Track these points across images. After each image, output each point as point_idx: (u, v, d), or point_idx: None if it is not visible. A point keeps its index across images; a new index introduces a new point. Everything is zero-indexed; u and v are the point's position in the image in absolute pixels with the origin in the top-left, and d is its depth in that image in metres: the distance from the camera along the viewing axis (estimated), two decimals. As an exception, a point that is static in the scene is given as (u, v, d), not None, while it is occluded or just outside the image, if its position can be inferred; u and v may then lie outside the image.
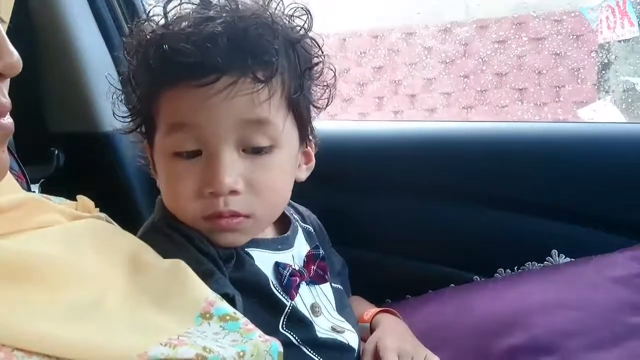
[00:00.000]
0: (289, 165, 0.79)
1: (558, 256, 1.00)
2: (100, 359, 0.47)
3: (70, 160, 1.11)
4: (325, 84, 0.83)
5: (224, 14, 0.72)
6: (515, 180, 1.05)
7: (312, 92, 0.82)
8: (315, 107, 0.83)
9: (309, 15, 0.79)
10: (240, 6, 0.75)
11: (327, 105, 0.84)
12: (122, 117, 0.84)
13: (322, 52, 0.81)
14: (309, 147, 0.85)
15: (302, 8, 0.79)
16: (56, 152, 1.10)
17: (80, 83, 1.09)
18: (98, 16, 1.14)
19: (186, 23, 0.73)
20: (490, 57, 3.33)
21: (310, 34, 0.79)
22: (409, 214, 1.10)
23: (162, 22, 0.76)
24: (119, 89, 0.85)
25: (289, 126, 0.77)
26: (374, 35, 3.53)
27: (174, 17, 0.76)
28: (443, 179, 1.09)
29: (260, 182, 0.74)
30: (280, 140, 0.75)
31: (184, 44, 0.70)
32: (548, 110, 3.29)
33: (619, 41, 2.95)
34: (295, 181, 0.83)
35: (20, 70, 0.50)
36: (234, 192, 0.73)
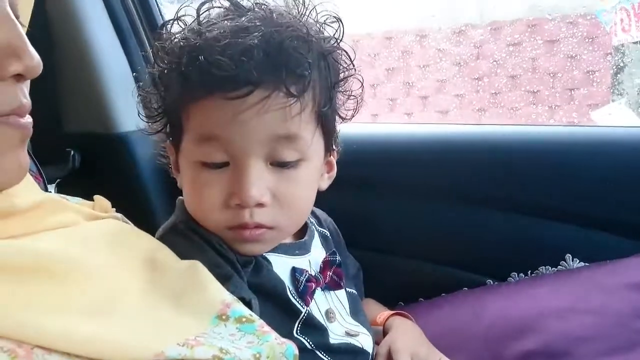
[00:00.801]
0: (314, 177, 0.79)
1: (572, 261, 1.00)
2: (117, 358, 0.48)
3: (86, 160, 1.12)
4: (352, 93, 0.82)
5: (259, 23, 0.71)
6: (530, 184, 1.05)
7: (339, 101, 0.81)
8: (342, 117, 0.83)
9: (341, 24, 0.78)
10: (275, 15, 0.74)
11: (352, 116, 0.83)
12: (147, 117, 0.84)
13: (353, 64, 0.80)
14: (332, 157, 0.85)
15: (334, 17, 0.78)
16: (72, 152, 1.11)
17: (96, 85, 1.10)
18: (114, 19, 1.15)
19: (221, 31, 0.71)
20: (504, 60, 3.32)
21: (341, 44, 0.79)
22: (423, 217, 1.10)
23: (194, 25, 0.75)
24: (143, 90, 0.83)
25: (317, 139, 0.77)
26: (387, 37, 3.52)
27: (205, 21, 0.75)
28: (457, 183, 1.08)
29: (286, 195, 0.74)
30: (308, 154, 0.75)
31: (220, 56, 0.68)
32: (562, 113, 3.27)
33: (634, 43, 2.93)
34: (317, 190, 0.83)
35: (40, 73, 0.51)
36: (260, 204, 0.73)
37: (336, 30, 0.78)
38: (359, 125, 1.19)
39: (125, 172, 1.11)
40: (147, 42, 1.17)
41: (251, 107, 0.69)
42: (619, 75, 3.08)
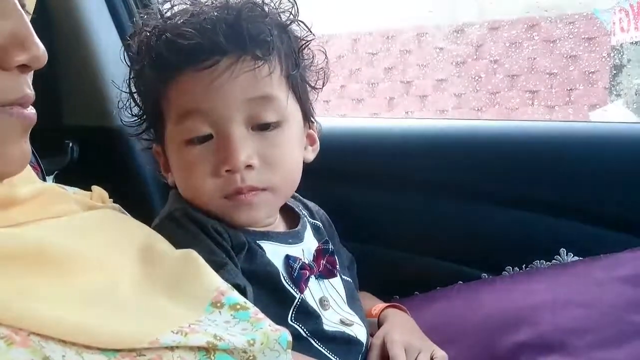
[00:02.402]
0: (296, 140, 0.82)
1: (566, 255, 1.00)
2: (112, 344, 0.48)
3: (84, 152, 1.12)
4: (319, 67, 0.87)
5: (218, 5, 0.77)
6: (525, 178, 1.05)
7: (308, 74, 0.86)
8: (312, 87, 0.87)
9: (295, 5, 0.83)
10: (230, 1, 0.79)
11: (323, 85, 0.88)
12: (132, 120, 0.87)
13: (312, 34, 0.85)
14: (312, 130, 0.88)
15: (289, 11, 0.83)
16: (70, 144, 1.11)
17: (96, 78, 1.10)
18: (114, 13, 1.15)
19: (183, 14, 0.78)
20: (502, 59, 3.32)
21: (298, 18, 0.84)
22: (419, 210, 1.11)
23: (158, 18, 0.81)
24: (126, 93, 0.87)
25: (292, 103, 0.80)
26: (385, 36, 3.53)
27: (170, 15, 0.80)
28: (453, 177, 1.09)
29: (272, 156, 0.78)
30: (286, 116, 0.79)
31: (184, 28, 0.75)
32: (559, 112, 3.28)
33: (632, 43, 2.93)
34: (304, 162, 0.86)
35: (45, 63, 0.51)
36: (249, 166, 0.76)
37: (291, 8, 0.83)
38: (357, 119, 1.20)
39: (124, 165, 1.12)
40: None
41: (222, 74, 0.74)
42: (617, 75, 3.09)
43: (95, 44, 1.10)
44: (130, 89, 0.85)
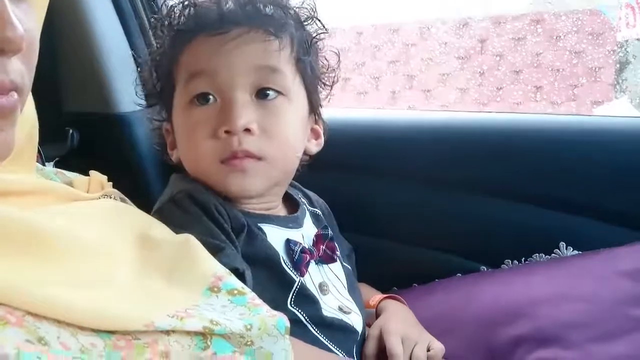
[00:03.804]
0: (298, 121, 0.84)
1: (566, 249, 1.00)
2: (108, 326, 0.47)
3: (84, 140, 1.13)
4: (330, 67, 0.91)
5: None
6: (526, 172, 1.05)
7: (318, 68, 0.89)
8: (321, 82, 0.90)
9: (315, 7, 0.88)
10: None
11: (332, 85, 0.91)
12: (145, 92, 0.93)
13: (327, 30, 0.89)
14: (317, 125, 0.90)
15: (310, 5, 0.88)
16: (71, 131, 1.11)
17: (96, 65, 1.10)
18: (117, 2, 1.15)
19: None
20: (507, 54, 3.31)
21: (317, 17, 0.88)
22: (418, 202, 1.10)
23: None
24: (143, 69, 0.94)
25: (298, 85, 0.84)
26: (390, 29, 3.52)
27: None
28: (453, 169, 1.09)
29: (272, 126, 0.80)
30: (290, 92, 0.82)
31: (209, 4, 0.82)
32: (564, 108, 3.27)
33: (638, 39, 2.92)
34: (306, 153, 0.88)
35: (22, 48, 0.47)
36: (247, 131, 0.78)
37: (311, 13, 0.88)
38: (357, 111, 1.20)
39: (124, 152, 1.12)
40: (147, 23, 1.17)
41: (232, 40, 0.79)
42: (622, 71, 3.08)
43: (96, 31, 1.09)
44: (152, 66, 0.89)
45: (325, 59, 0.91)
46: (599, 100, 3.24)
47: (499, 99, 3.29)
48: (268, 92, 0.80)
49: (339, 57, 0.92)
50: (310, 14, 0.87)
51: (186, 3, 0.84)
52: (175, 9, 0.85)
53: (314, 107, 0.88)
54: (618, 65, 3.15)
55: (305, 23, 0.87)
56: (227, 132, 0.78)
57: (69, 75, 1.12)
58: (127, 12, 1.15)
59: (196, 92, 0.80)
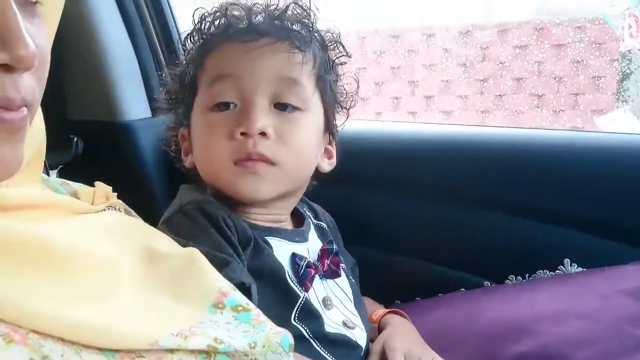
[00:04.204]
0: (314, 134, 0.85)
1: (570, 265, 1.00)
2: (112, 345, 0.47)
3: (88, 147, 1.12)
4: (349, 92, 0.93)
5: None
6: (531, 187, 1.05)
7: (338, 89, 0.91)
8: (340, 104, 0.92)
9: (339, 34, 0.91)
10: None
11: (349, 108, 0.94)
12: (167, 95, 0.94)
13: (349, 55, 0.92)
14: (331, 145, 0.92)
15: (333, 34, 0.90)
16: (75, 139, 1.11)
17: (102, 73, 1.10)
18: (122, 8, 1.15)
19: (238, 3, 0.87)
20: (510, 62, 3.31)
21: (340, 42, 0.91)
22: (422, 216, 1.11)
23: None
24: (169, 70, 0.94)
25: (316, 101, 0.85)
26: (393, 35, 3.52)
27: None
28: (458, 183, 1.09)
29: (287, 134, 0.81)
30: (308, 106, 0.83)
31: (234, 6, 0.86)
32: (566, 118, 3.27)
33: (641, 50, 2.92)
34: (318, 170, 0.89)
35: (34, 65, 0.47)
36: (263, 134, 0.79)
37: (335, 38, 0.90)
38: (360, 122, 1.20)
39: (128, 160, 1.12)
40: (154, 31, 1.17)
41: (258, 48, 0.82)
42: (624, 81, 3.08)
43: (103, 39, 1.09)
44: (178, 70, 0.91)
45: (345, 84, 0.93)
46: (600, 110, 3.24)
47: (503, 110, 3.29)
48: (288, 106, 0.82)
49: (358, 83, 0.94)
50: (334, 38, 0.90)
51: (218, 13, 0.86)
52: (207, 17, 0.87)
53: (329, 126, 0.90)
54: (620, 75, 3.15)
55: (329, 46, 0.89)
56: (243, 133, 0.79)
57: (74, 83, 1.12)
58: (133, 20, 1.15)
59: (218, 99, 0.82)
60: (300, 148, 0.82)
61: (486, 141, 1.14)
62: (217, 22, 0.86)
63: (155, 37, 1.17)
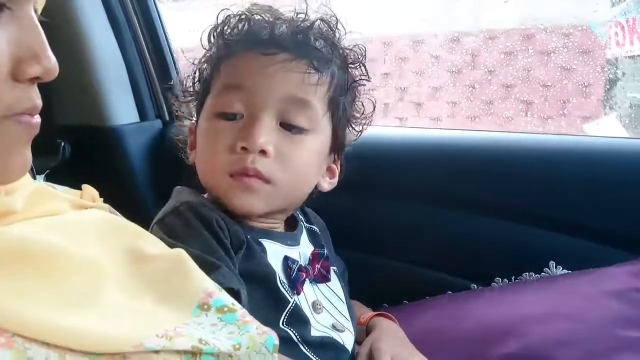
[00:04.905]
0: (316, 155, 0.84)
1: (555, 268, 1.01)
2: (96, 349, 0.47)
3: (76, 152, 1.12)
4: (364, 112, 0.93)
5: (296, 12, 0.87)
6: (517, 191, 1.06)
7: (352, 112, 0.90)
8: (352, 126, 0.91)
9: (364, 52, 0.90)
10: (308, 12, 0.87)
11: (362, 130, 0.93)
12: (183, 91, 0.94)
13: (369, 79, 0.91)
14: (335, 165, 0.91)
15: (358, 46, 0.89)
16: (62, 144, 1.11)
17: (89, 78, 1.10)
18: (110, 12, 1.15)
19: (263, 12, 0.86)
20: (497, 68, 3.33)
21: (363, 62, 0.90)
22: (409, 220, 1.11)
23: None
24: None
25: (325, 122, 0.84)
26: (383, 42, 3.53)
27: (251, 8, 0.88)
28: (445, 187, 1.09)
29: (288, 154, 0.81)
30: (315, 128, 0.83)
31: (259, 17, 0.84)
32: (553, 123, 3.29)
33: (627, 57, 2.95)
34: (317, 188, 0.89)
35: (55, 76, 0.52)
36: (263, 152, 0.79)
37: (359, 52, 0.89)
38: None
39: (116, 165, 1.12)
40: (141, 36, 1.17)
41: (274, 63, 0.81)
42: (611, 88, 3.10)
43: (90, 44, 1.10)
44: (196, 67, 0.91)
45: (363, 104, 0.92)
46: (587, 116, 3.26)
47: (492, 116, 3.30)
48: (294, 127, 0.81)
49: (375, 107, 0.93)
50: (358, 58, 0.89)
51: (242, 17, 0.85)
52: (232, 19, 0.87)
53: (336, 147, 0.89)
54: (607, 83, 3.17)
55: (351, 65, 0.88)
56: (244, 148, 0.79)
57: (61, 88, 1.12)
58: (121, 25, 1.15)
59: (226, 108, 0.82)
60: (298, 169, 0.82)
61: (473, 145, 1.15)
62: (240, 26, 0.85)
63: (143, 42, 1.17)
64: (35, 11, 0.53)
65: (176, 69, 1.20)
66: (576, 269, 0.99)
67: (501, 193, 1.06)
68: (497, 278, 1.04)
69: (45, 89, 1.10)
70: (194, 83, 0.91)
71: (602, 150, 1.09)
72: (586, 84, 3.20)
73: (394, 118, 3.56)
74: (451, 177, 1.09)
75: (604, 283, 0.94)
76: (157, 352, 0.50)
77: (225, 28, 0.86)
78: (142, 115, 1.18)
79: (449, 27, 3.33)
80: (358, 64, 0.89)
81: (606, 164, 1.05)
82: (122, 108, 1.10)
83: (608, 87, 3.12)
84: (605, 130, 2.89)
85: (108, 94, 1.10)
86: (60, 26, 1.09)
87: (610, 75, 3.09)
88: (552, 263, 1.01)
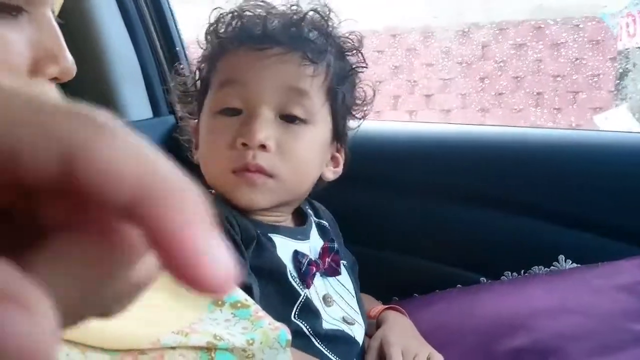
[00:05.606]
0: (318, 146, 0.85)
1: (565, 261, 1.01)
2: (113, 345, 0.48)
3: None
4: (364, 98, 0.93)
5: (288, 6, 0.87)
6: (527, 185, 1.06)
7: (351, 99, 0.90)
8: (352, 115, 0.91)
9: (361, 40, 0.90)
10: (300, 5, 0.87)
11: (363, 118, 0.93)
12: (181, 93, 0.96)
13: (366, 65, 0.91)
14: (338, 154, 0.91)
15: (356, 36, 0.90)
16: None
17: (103, 74, 1.10)
18: (123, 8, 1.15)
19: (256, 7, 0.87)
20: (508, 61, 3.32)
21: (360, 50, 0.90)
22: (419, 214, 1.11)
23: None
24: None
25: (324, 112, 0.84)
26: (392, 34, 3.52)
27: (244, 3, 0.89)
28: (454, 181, 1.09)
29: (289, 147, 0.81)
30: (315, 119, 0.83)
31: (251, 12, 0.85)
32: (563, 116, 3.27)
33: (639, 48, 2.93)
34: (321, 178, 0.89)
35: (73, 76, 0.52)
36: (263, 147, 0.79)
37: (356, 41, 0.90)
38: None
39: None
40: (155, 33, 1.18)
41: (269, 57, 0.81)
42: (622, 79, 3.08)
43: (103, 40, 1.10)
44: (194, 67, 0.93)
45: (363, 91, 0.92)
46: (598, 108, 3.24)
47: (502, 109, 3.28)
48: (293, 118, 0.81)
49: (375, 93, 0.93)
50: (354, 46, 0.89)
51: (235, 14, 0.86)
52: (224, 17, 0.88)
53: (338, 136, 0.89)
54: (618, 74, 3.15)
55: (347, 54, 0.88)
56: (244, 144, 0.79)
57: (75, 84, 1.13)
58: (134, 21, 1.15)
59: (224, 104, 0.82)
60: (300, 161, 0.82)
61: (482, 140, 1.15)
62: (233, 24, 0.86)
63: (156, 38, 1.18)
64: (53, 12, 0.54)
65: (188, 65, 1.21)
66: (585, 262, 0.99)
67: (511, 187, 1.07)
68: (507, 272, 1.04)
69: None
70: (194, 83, 0.92)
71: (612, 144, 1.09)
72: (597, 76, 3.18)
73: (404, 111, 3.56)
74: (461, 171, 1.09)
75: (613, 277, 0.95)
76: (173, 348, 0.51)
77: (219, 26, 0.87)
78: (156, 111, 1.19)
79: (459, 19, 3.32)
80: (354, 50, 0.89)
81: (615, 158, 1.05)
82: (135, 104, 1.11)
83: (619, 78, 3.10)
84: (616, 121, 2.87)
85: (121, 90, 1.10)
86: (74, 24, 1.09)
87: (622, 66, 3.07)
88: (561, 257, 1.01)
